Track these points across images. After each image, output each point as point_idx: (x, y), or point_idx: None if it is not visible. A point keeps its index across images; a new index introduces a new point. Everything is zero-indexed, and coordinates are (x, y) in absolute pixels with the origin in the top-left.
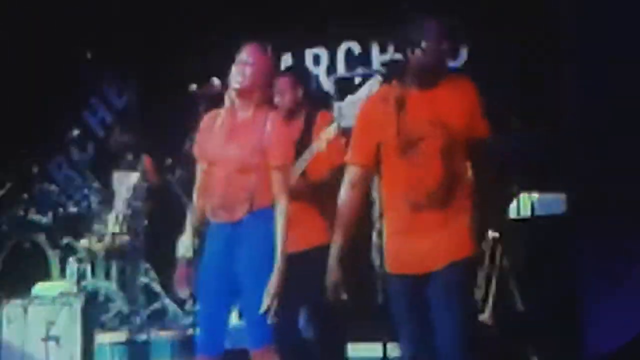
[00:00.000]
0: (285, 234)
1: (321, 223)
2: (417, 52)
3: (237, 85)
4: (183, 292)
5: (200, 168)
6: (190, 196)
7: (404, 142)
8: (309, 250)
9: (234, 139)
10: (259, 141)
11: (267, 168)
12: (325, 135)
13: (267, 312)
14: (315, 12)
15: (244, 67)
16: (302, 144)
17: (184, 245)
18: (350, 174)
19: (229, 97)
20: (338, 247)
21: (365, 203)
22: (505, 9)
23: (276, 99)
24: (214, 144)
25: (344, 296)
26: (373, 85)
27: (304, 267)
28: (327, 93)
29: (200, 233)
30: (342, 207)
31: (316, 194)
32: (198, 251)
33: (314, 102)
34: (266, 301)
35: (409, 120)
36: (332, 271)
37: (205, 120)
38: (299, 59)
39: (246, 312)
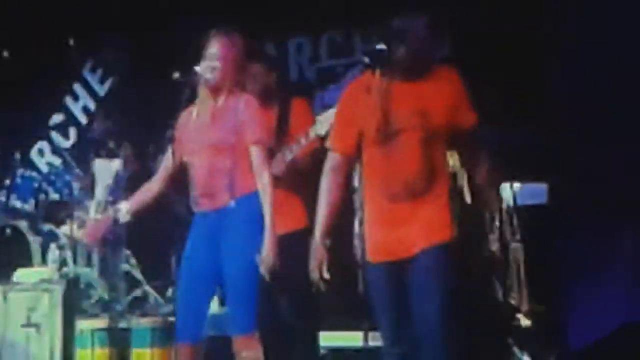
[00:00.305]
0: (270, 206)
1: (300, 208)
2: (402, 44)
3: (208, 80)
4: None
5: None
6: (173, 184)
7: (384, 133)
8: (288, 234)
9: (209, 127)
10: (233, 122)
11: (244, 150)
12: (324, 119)
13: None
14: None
15: (212, 61)
16: (278, 130)
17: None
18: (331, 160)
19: (201, 89)
20: (320, 231)
21: (345, 189)
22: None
23: (249, 86)
24: (191, 136)
25: (326, 275)
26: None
27: (284, 250)
28: (308, 82)
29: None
30: (323, 192)
31: (295, 179)
32: (182, 241)
33: (289, 90)
34: (264, 272)
35: (389, 112)
36: (316, 251)
37: (182, 117)
38: (282, 47)
39: (230, 298)
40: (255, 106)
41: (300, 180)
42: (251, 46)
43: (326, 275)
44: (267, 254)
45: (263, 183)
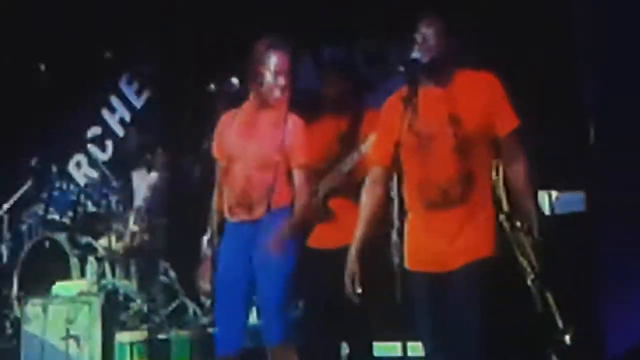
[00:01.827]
0: (300, 216)
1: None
2: (426, 49)
3: (278, 95)
4: (205, 288)
5: (218, 167)
6: (209, 194)
7: (417, 141)
8: (344, 247)
9: (253, 137)
10: (280, 140)
11: (286, 166)
12: (365, 147)
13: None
14: (332, 9)
15: (275, 77)
16: (348, 139)
17: (207, 243)
18: (371, 173)
19: (252, 95)
20: (357, 243)
21: (385, 202)
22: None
23: (322, 91)
24: (233, 141)
25: (359, 290)
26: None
27: (339, 263)
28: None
29: (220, 232)
30: (363, 205)
31: (358, 191)
32: (216, 250)
33: (361, 97)
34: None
35: (422, 119)
36: (351, 264)
37: (224, 118)
38: (315, 56)
39: (263, 309)
40: (303, 129)
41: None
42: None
43: (359, 290)
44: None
45: (300, 204)
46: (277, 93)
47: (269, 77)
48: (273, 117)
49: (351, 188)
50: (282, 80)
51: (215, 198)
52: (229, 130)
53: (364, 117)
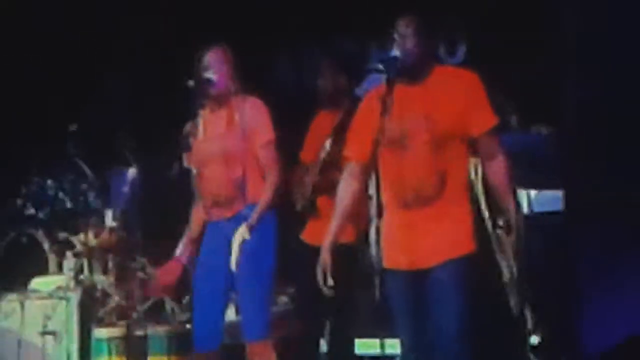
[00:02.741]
0: (269, 197)
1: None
2: (404, 47)
3: (206, 93)
4: (166, 287)
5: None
6: (187, 190)
7: (392, 139)
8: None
9: (215, 136)
10: (240, 127)
11: (254, 154)
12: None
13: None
14: (311, 8)
15: (206, 71)
16: (337, 133)
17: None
18: (347, 168)
19: (205, 102)
20: (330, 237)
21: (360, 198)
22: (504, 7)
23: (319, 85)
24: (199, 146)
25: (330, 282)
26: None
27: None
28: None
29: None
30: (338, 199)
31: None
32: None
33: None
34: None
35: (398, 117)
36: (323, 257)
37: (187, 128)
38: (296, 56)
39: (242, 305)
40: (261, 106)
41: None
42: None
43: (330, 282)
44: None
45: (270, 180)
46: (207, 87)
47: (200, 74)
48: (228, 112)
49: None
50: (208, 74)
51: (194, 209)
52: (195, 137)
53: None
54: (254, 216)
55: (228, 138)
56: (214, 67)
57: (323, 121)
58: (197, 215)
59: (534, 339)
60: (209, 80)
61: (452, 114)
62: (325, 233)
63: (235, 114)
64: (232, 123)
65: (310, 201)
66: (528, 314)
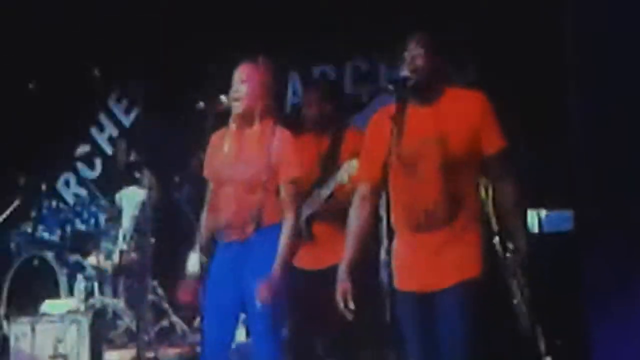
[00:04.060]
0: (288, 242)
1: (340, 243)
2: (415, 68)
3: (236, 107)
4: (187, 305)
5: (210, 187)
6: (198, 213)
7: (404, 161)
8: (333, 266)
9: (241, 158)
10: (267, 158)
11: (275, 185)
12: (348, 169)
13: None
14: (323, 28)
15: (238, 87)
16: (329, 159)
17: (192, 262)
18: (360, 189)
19: (233, 116)
20: (347, 260)
21: (373, 220)
22: (510, 27)
23: (304, 110)
24: (222, 163)
25: (351, 306)
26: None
27: (328, 282)
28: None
29: (208, 252)
30: (351, 222)
31: (339, 214)
32: (206, 269)
33: (343, 117)
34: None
35: (407, 138)
36: (342, 282)
37: (214, 139)
38: (306, 76)
39: (253, 328)
40: (291, 142)
41: (340, 215)
42: (281, 70)
43: (351, 306)
44: (271, 281)
45: (287, 223)
46: (235, 104)
47: (233, 89)
48: (258, 135)
49: (331, 213)
50: (243, 89)
51: (204, 216)
52: (218, 153)
53: (345, 136)
54: (276, 269)
55: (256, 163)
56: (247, 81)
57: (308, 144)
58: (207, 224)
59: (550, 353)
60: (220, 104)
61: (464, 136)
62: (321, 258)
63: (263, 141)
64: (258, 149)
65: (306, 227)
66: (540, 336)
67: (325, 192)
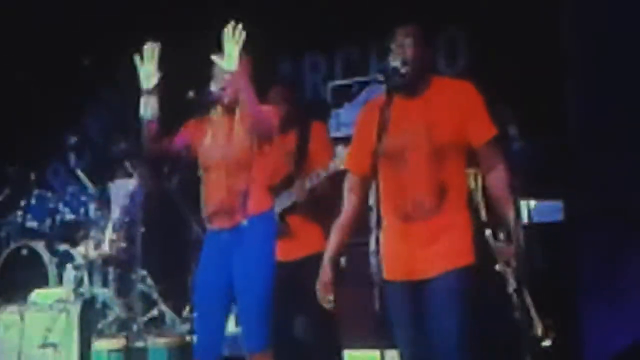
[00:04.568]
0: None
1: (318, 231)
2: (403, 58)
3: (216, 94)
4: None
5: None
6: (187, 203)
7: (393, 151)
8: (307, 257)
9: (224, 143)
10: (249, 137)
11: (260, 169)
12: (334, 166)
13: None
14: (314, 17)
15: (221, 76)
16: (299, 154)
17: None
18: (348, 179)
19: (216, 108)
20: (330, 251)
21: (361, 210)
22: (504, 16)
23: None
24: (206, 150)
25: (331, 297)
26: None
27: (302, 273)
28: (324, 101)
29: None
30: (341, 210)
31: (315, 202)
32: (195, 259)
33: (308, 112)
34: None
35: (394, 129)
36: (324, 271)
37: (198, 124)
38: (297, 65)
39: (243, 317)
40: (275, 113)
41: (320, 204)
42: (267, 66)
43: (331, 296)
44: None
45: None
46: (218, 91)
47: (216, 78)
48: (239, 119)
49: (306, 205)
50: (213, 85)
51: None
52: (202, 141)
53: (311, 129)
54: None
55: (235, 146)
56: (224, 72)
57: (275, 143)
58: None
59: (546, 344)
60: (211, 93)
61: (452, 126)
62: (295, 249)
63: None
64: (240, 131)
65: (281, 219)
66: (536, 321)
67: (312, 181)
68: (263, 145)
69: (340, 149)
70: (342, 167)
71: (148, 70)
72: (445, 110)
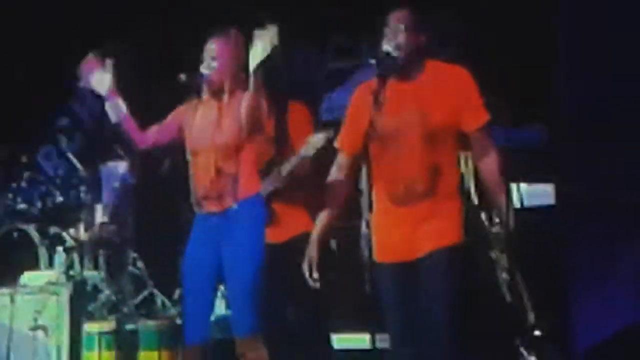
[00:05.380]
0: None
1: (304, 212)
2: (397, 42)
3: (206, 77)
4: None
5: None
6: (177, 186)
7: (386, 135)
8: (293, 238)
9: (213, 127)
10: (238, 121)
11: (249, 153)
12: (314, 143)
13: None
14: (306, 1)
15: (210, 63)
16: (279, 137)
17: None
18: (338, 159)
19: (205, 91)
20: (319, 227)
21: (349, 189)
22: (495, 4)
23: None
24: (195, 134)
25: (316, 275)
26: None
27: (288, 255)
28: (315, 83)
29: None
30: (328, 189)
31: (297, 186)
32: (185, 242)
33: (297, 91)
34: None
35: (387, 113)
36: (311, 248)
37: (187, 108)
38: (288, 50)
39: (232, 300)
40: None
41: (304, 185)
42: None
43: (315, 275)
44: None
45: None
46: (206, 74)
47: (205, 63)
48: (226, 104)
49: (290, 187)
50: (214, 65)
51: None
52: (191, 124)
53: (289, 110)
54: None
55: (224, 130)
56: (219, 52)
57: None
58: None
59: (538, 333)
60: (202, 76)
61: (445, 110)
62: (281, 231)
63: (233, 106)
64: (229, 115)
65: (266, 204)
66: (529, 308)
67: (287, 167)
68: (253, 133)
69: (311, 138)
70: (310, 153)
71: (99, 77)
72: (438, 95)
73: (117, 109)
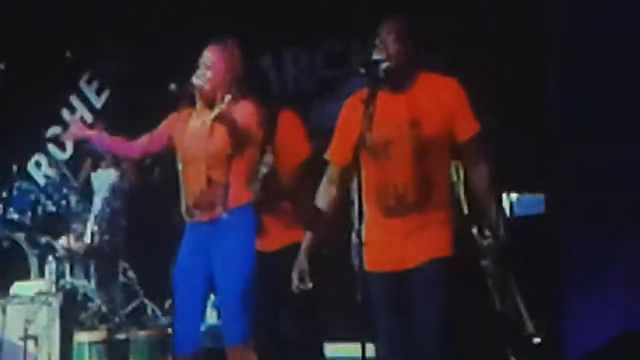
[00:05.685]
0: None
1: (294, 222)
2: (387, 53)
3: (201, 89)
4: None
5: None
6: (169, 196)
7: (377, 146)
8: (284, 248)
9: (206, 137)
10: (232, 132)
11: (240, 162)
12: (265, 170)
13: None
14: (296, 10)
15: (204, 71)
16: (267, 144)
17: None
18: (329, 170)
19: (198, 100)
20: (309, 239)
21: (342, 201)
22: (486, 9)
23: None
24: (187, 143)
25: (309, 285)
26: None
27: (280, 264)
28: (305, 92)
29: None
30: (318, 201)
31: (288, 193)
32: (174, 251)
33: (286, 100)
34: None
35: (380, 123)
36: (300, 260)
37: (180, 117)
38: (279, 58)
39: (223, 309)
40: (253, 111)
41: (292, 196)
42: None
43: (309, 285)
44: None
45: None
46: (200, 83)
47: (199, 72)
48: (219, 114)
49: (275, 199)
50: (208, 74)
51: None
52: (182, 133)
53: (279, 117)
54: None
55: (216, 139)
56: (213, 62)
57: None
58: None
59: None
60: (193, 86)
61: (437, 122)
62: (274, 241)
63: (229, 117)
64: (225, 125)
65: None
66: (526, 317)
67: (256, 185)
68: (241, 145)
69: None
70: (264, 170)
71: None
72: (430, 106)
73: (100, 145)
